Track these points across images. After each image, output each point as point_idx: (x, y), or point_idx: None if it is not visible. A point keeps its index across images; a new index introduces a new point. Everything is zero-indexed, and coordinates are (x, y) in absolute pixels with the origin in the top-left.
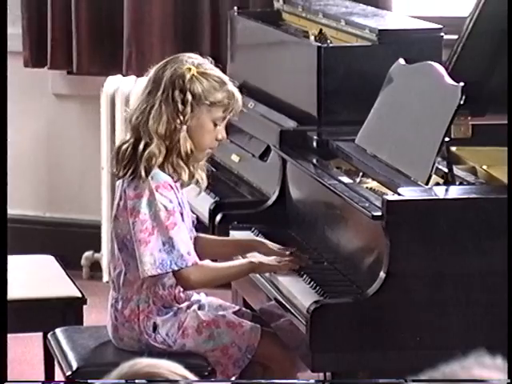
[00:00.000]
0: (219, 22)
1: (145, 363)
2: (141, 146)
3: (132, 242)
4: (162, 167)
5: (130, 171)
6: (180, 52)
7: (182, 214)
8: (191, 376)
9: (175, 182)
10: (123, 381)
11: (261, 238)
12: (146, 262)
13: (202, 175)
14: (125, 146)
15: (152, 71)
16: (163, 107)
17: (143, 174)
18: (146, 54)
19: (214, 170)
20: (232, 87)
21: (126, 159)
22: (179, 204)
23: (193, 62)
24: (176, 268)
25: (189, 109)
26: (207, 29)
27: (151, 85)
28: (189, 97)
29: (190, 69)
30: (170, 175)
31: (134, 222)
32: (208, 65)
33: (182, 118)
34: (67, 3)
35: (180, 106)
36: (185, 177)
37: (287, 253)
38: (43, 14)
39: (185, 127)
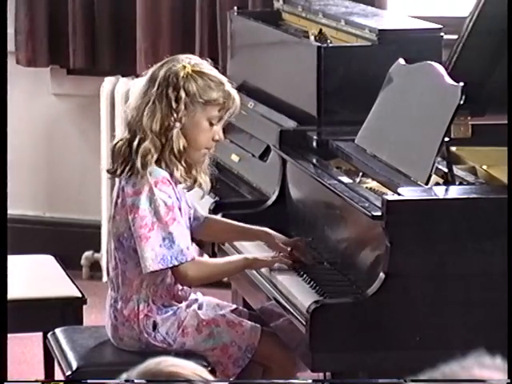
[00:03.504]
0: (217, 22)
1: (170, 362)
2: (135, 142)
3: (129, 240)
4: (158, 164)
5: (127, 168)
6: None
7: (180, 209)
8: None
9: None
10: (122, 381)
11: (267, 229)
12: (148, 257)
13: (205, 179)
14: (120, 144)
15: (149, 71)
16: (157, 104)
17: (140, 168)
18: (156, 53)
19: (216, 171)
20: (230, 88)
21: (122, 156)
22: (177, 199)
23: (189, 61)
24: (176, 263)
25: (182, 106)
26: (205, 29)
27: (147, 83)
28: (182, 94)
29: (184, 67)
30: (168, 171)
31: (133, 219)
32: (205, 65)
33: (175, 115)
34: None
35: (173, 104)
36: (177, 174)
37: (289, 249)
38: (44, 12)
39: (178, 124)
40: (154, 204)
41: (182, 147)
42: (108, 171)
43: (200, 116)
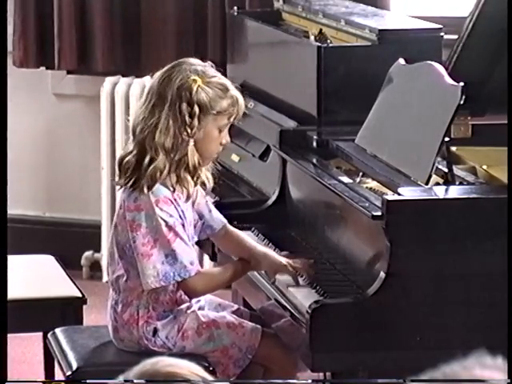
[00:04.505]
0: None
1: (167, 362)
2: (146, 161)
3: (131, 251)
4: (167, 179)
5: (131, 181)
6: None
7: (183, 225)
8: (210, 378)
9: (175, 193)
10: (121, 380)
11: (269, 256)
12: (149, 274)
13: (207, 175)
14: (128, 158)
15: (155, 81)
16: (170, 121)
17: (145, 189)
18: (161, 54)
19: (219, 167)
20: (235, 92)
21: (129, 171)
22: (180, 217)
23: (196, 70)
24: (179, 279)
25: (196, 121)
26: (217, 29)
27: (156, 96)
28: (196, 109)
29: (195, 80)
30: (172, 187)
31: (134, 236)
32: (211, 71)
33: (189, 130)
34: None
35: (188, 119)
36: (190, 188)
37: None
38: (42, 13)
39: (192, 140)
40: (155, 223)
41: (197, 163)
42: (116, 183)
43: (211, 127)
